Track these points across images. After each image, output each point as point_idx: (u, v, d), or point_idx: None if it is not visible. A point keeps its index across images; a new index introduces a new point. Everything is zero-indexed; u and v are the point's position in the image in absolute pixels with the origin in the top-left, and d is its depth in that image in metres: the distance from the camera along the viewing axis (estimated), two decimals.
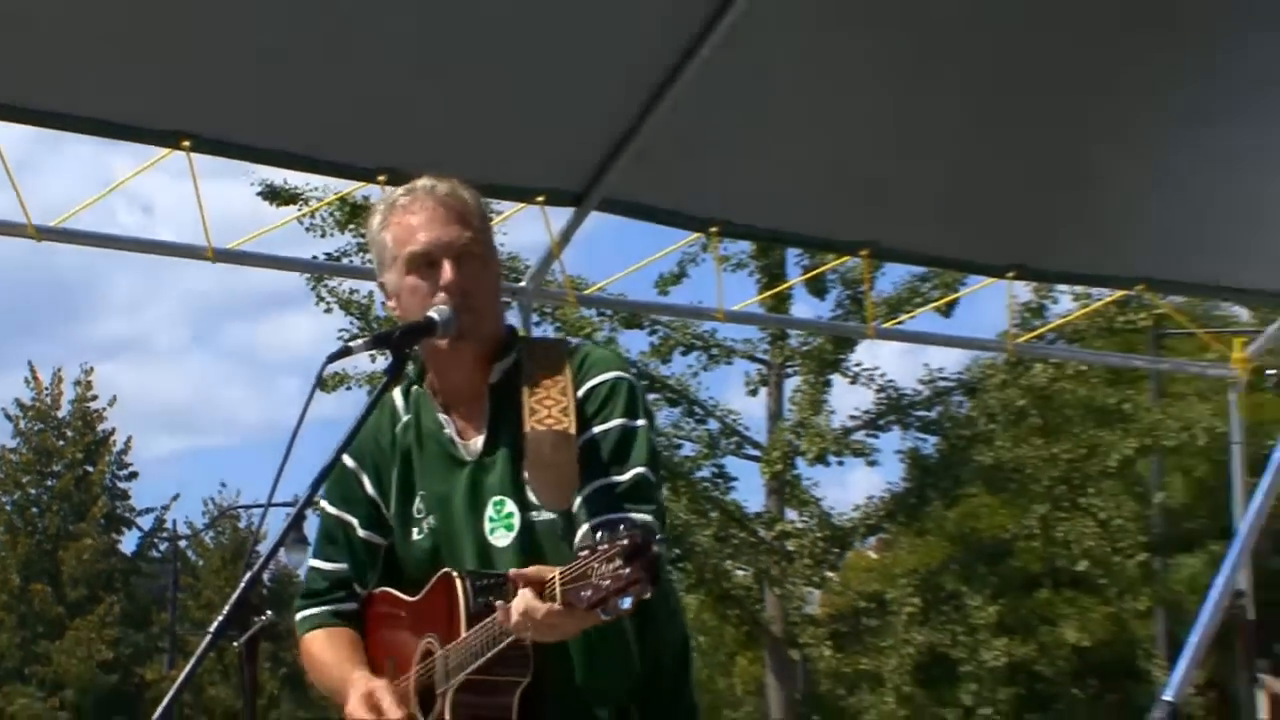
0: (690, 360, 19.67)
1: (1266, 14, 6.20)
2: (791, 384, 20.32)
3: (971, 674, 19.95)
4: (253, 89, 5.97)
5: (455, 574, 3.78)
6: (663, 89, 6.25)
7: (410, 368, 3.93)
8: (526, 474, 3.78)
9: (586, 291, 9.24)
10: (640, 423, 3.80)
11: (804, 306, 19.06)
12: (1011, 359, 17.15)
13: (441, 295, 3.75)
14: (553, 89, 6.20)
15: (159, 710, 3.41)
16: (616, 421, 3.78)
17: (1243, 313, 18.30)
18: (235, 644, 3.94)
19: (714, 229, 7.11)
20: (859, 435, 19.83)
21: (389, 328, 3.99)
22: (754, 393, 20.72)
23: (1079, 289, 12.88)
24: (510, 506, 3.86)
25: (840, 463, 19.71)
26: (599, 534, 3.36)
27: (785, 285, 15.90)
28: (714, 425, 20.10)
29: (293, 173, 14.05)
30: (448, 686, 3.78)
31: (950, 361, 19.87)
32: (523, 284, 7.60)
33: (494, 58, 6.00)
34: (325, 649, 4.07)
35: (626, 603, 3.30)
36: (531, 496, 3.80)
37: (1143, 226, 7.52)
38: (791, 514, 20.17)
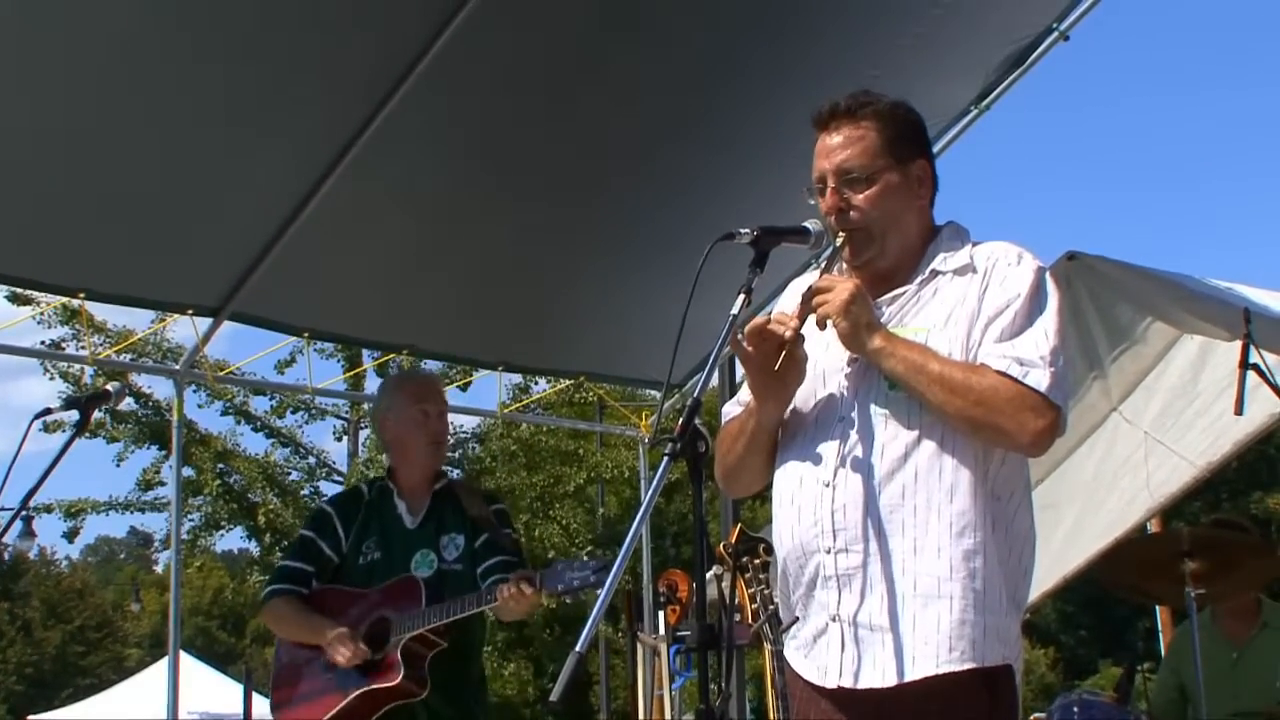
0: (298, 417, 19.39)
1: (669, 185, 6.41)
2: (364, 434, 20.15)
3: None
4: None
5: (419, 578, 4.27)
6: (277, 237, 6.18)
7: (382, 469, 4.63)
8: (485, 537, 4.34)
9: (224, 372, 9.03)
10: (516, 535, 4.51)
11: (374, 383, 18.89)
12: (505, 421, 17.28)
13: (430, 436, 4.47)
14: (202, 233, 6.07)
15: None
16: (509, 531, 4.41)
17: (654, 393, 18.85)
18: None
19: (307, 334, 7.05)
20: None
21: (79, 394, 4.13)
22: (339, 439, 20.49)
23: (549, 376, 12.99)
24: (431, 557, 4.35)
25: None
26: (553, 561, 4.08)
27: (361, 369, 15.76)
28: (313, 460, 19.81)
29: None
30: (403, 635, 4.19)
31: (469, 421, 19.98)
32: (177, 367, 7.42)
33: (160, 207, 5.79)
34: (294, 611, 4.40)
35: (576, 594, 3.95)
36: (446, 555, 4.36)
37: (585, 336, 7.66)
38: None
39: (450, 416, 4.71)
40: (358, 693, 4.19)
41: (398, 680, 4.14)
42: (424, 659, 4.20)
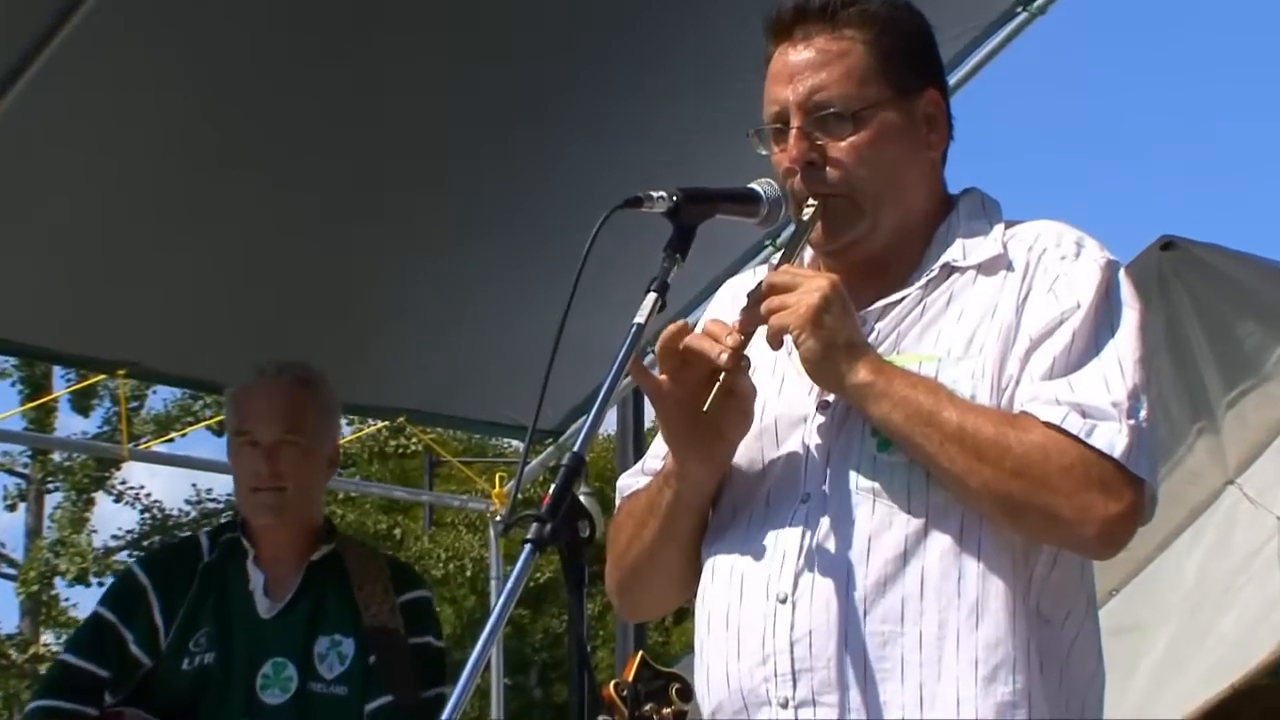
0: None
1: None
2: (54, 500, 19.98)
3: None
4: None
5: None
6: None
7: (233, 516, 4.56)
8: (373, 659, 4.26)
9: None
10: (440, 644, 4.48)
11: (74, 419, 18.69)
12: None
13: (249, 477, 4.43)
14: None
15: None
16: (428, 639, 4.41)
17: (514, 444, 18.88)
18: None
19: None
20: (122, 555, 19.60)
21: None
22: (12, 508, 20.33)
23: (350, 416, 12.99)
24: (291, 670, 4.27)
25: (101, 583, 19.47)
26: None
27: (50, 397, 15.67)
28: None
29: None
30: None
31: (223, 483, 19.89)
32: None
33: None
34: None
35: None
36: (322, 670, 4.29)
37: (409, 355, 7.69)
38: (49, 636, 19.78)
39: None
40: None
41: None
42: None
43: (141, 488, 19.59)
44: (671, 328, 2.84)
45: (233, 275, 6.81)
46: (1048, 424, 2.77)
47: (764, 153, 2.98)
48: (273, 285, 6.88)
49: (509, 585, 2.54)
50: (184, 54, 5.84)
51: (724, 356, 2.78)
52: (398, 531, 19.81)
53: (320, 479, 4.59)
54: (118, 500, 19.46)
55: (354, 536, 4.65)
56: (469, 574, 19.12)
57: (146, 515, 19.48)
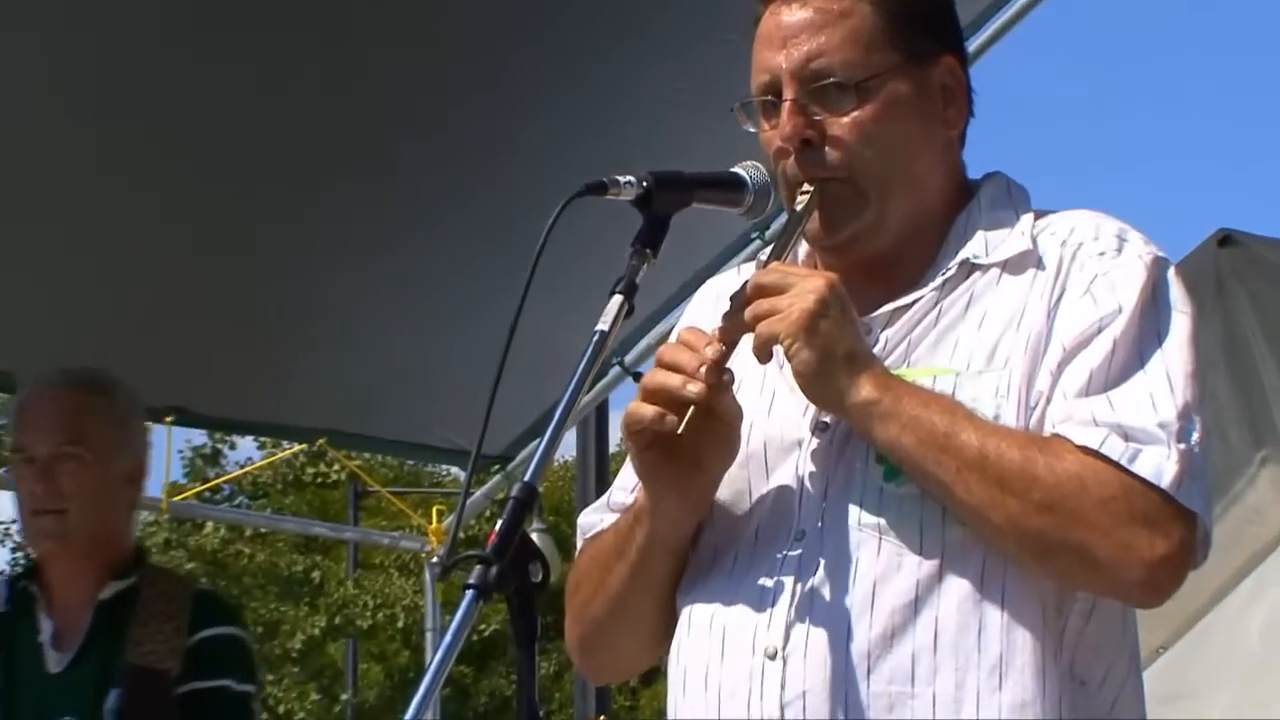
0: None
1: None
2: None
3: None
4: None
5: None
6: None
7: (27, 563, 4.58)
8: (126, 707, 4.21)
9: None
10: (246, 687, 4.42)
11: None
12: (175, 516, 17.18)
13: (28, 499, 4.45)
14: None
15: None
16: (225, 682, 4.38)
17: (454, 472, 18.82)
18: None
19: None
20: None
21: None
22: None
23: (261, 437, 13.01)
24: None
25: None
26: None
27: None
28: None
29: None
30: None
31: None
32: None
33: None
34: None
35: None
36: None
37: (330, 368, 7.71)
38: None
39: None
40: None
41: None
42: None
43: (13, 522, 19.54)
44: (655, 369, 2.83)
45: (123, 276, 6.83)
46: (1084, 448, 2.76)
47: (751, 129, 2.98)
48: (170, 288, 6.89)
49: (448, 638, 2.52)
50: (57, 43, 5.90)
51: (694, 389, 2.76)
52: (316, 574, 19.63)
53: (115, 500, 4.57)
54: None
55: (166, 569, 4.61)
56: (401, 625, 18.98)
57: (19, 554, 19.41)
